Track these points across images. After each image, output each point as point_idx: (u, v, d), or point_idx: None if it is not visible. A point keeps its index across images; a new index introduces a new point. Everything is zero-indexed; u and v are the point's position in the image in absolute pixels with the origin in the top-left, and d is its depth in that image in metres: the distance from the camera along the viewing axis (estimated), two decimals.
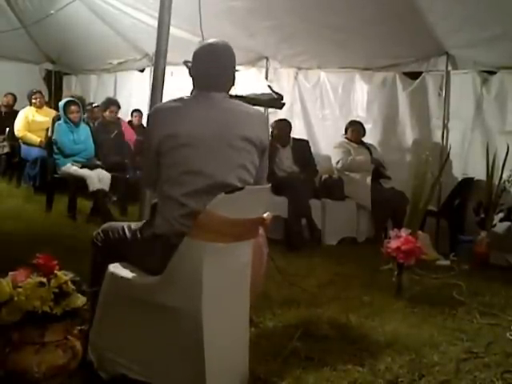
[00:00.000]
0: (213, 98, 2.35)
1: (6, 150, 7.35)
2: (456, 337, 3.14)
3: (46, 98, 8.75)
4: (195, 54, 2.40)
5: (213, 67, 2.35)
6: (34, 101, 7.43)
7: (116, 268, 2.38)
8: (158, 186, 2.37)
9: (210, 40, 2.42)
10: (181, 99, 2.38)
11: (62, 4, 6.83)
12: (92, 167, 5.65)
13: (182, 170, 2.26)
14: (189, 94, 2.42)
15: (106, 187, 5.52)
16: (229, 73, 2.41)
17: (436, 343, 3.00)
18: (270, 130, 6.07)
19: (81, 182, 5.47)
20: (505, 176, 5.07)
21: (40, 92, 7.75)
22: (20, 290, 2.08)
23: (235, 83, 2.47)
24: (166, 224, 2.29)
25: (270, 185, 2.53)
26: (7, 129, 7.39)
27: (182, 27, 5.56)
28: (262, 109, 6.50)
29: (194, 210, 2.21)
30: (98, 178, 5.51)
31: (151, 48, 7.40)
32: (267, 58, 6.74)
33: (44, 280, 2.11)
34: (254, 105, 4.35)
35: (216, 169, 2.28)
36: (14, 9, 7.86)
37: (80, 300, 2.15)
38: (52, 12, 6.87)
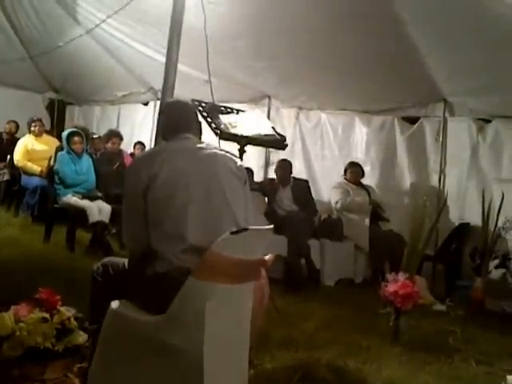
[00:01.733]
0: (186, 138, 2.53)
1: (6, 177, 7.33)
2: None
3: (48, 127, 8.81)
4: (166, 108, 2.76)
5: (181, 115, 2.63)
6: (33, 128, 7.40)
7: (118, 305, 2.37)
8: (151, 227, 2.38)
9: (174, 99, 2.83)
10: (158, 146, 2.55)
11: (69, 35, 6.94)
12: (93, 198, 5.65)
13: (177, 212, 2.33)
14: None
15: (106, 219, 5.51)
16: (194, 120, 2.68)
17: None
18: (273, 169, 6.16)
19: (81, 213, 5.44)
20: (500, 223, 5.11)
21: (40, 120, 7.72)
22: (22, 324, 2.08)
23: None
24: (166, 262, 2.31)
25: (272, 226, 2.57)
26: (8, 156, 7.39)
27: (187, 64, 5.65)
28: (263, 148, 6.70)
29: (194, 245, 2.26)
30: (99, 210, 5.49)
31: (156, 82, 7.59)
32: (269, 97, 6.88)
33: (47, 315, 2.11)
34: (259, 145, 4.45)
35: (206, 204, 2.37)
36: (20, 37, 7.96)
37: (82, 337, 2.15)
38: (61, 45, 6.96)
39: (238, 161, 2.63)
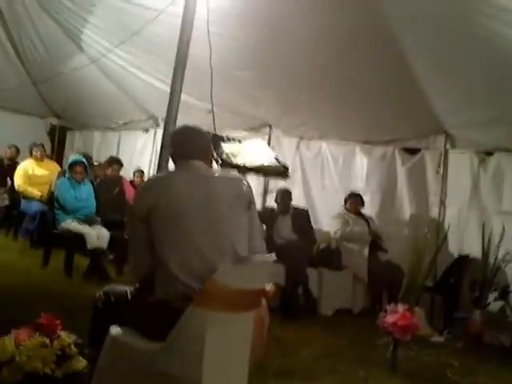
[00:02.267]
0: (193, 165, 2.53)
1: (6, 202, 7.33)
2: None
3: (49, 152, 8.86)
4: (175, 134, 2.76)
5: (191, 141, 2.61)
6: (34, 153, 7.46)
7: (117, 332, 2.38)
8: (154, 254, 2.40)
9: (184, 124, 2.74)
10: (166, 172, 2.60)
11: (72, 62, 7.02)
12: (92, 224, 5.66)
13: (178, 238, 2.34)
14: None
15: (105, 245, 5.51)
16: (205, 146, 2.66)
17: None
18: (274, 197, 6.18)
19: (79, 238, 5.45)
20: (500, 255, 5.12)
21: (42, 145, 7.80)
22: (22, 349, 2.06)
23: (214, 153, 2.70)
24: (166, 289, 2.32)
25: (274, 256, 2.58)
26: (8, 181, 7.42)
27: (190, 93, 5.72)
28: (263, 177, 6.73)
29: (195, 273, 2.26)
30: (97, 236, 5.50)
31: (157, 109, 7.66)
32: (270, 126, 6.92)
33: (47, 341, 2.11)
34: (262, 175, 4.48)
35: (210, 234, 2.37)
36: (23, 62, 8.05)
37: (81, 363, 2.14)
38: (64, 72, 7.04)
39: (245, 183, 2.63)
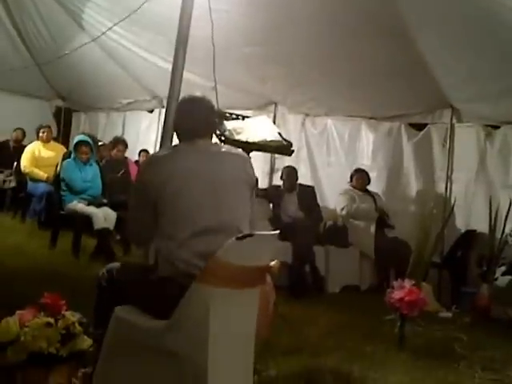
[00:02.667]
0: (198, 141, 2.47)
1: (13, 184, 7.38)
2: None
3: (55, 134, 8.86)
4: (177, 109, 2.64)
5: (196, 115, 2.52)
6: (41, 134, 7.49)
7: (122, 311, 2.37)
8: (158, 231, 2.39)
9: (190, 95, 2.61)
10: (171, 148, 2.56)
11: (76, 43, 6.98)
12: (98, 205, 5.68)
13: (182, 213, 2.32)
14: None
15: (112, 226, 5.53)
16: (207, 121, 2.56)
17: None
18: (279, 175, 6.17)
19: (86, 219, 5.47)
20: (507, 230, 5.09)
21: (48, 127, 7.82)
22: (27, 329, 2.07)
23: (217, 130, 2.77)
24: (170, 266, 2.30)
25: (277, 231, 2.56)
26: (15, 163, 7.44)
27: (193, 71, 5.67)
28: (268, 154, 6.71)
29: (199, 251, 2.25)
30: (104, 217, 5.51)
31: (161, 89, 7.61)
32: (276, 104, 6.87)
33: (51, 320, 2.11)
34: (264, 151, 4.45)
35: (214, 210, 2.35)
36: (27, 44, 8.02)
37: (86, 342, 2.15)
38: (67, 52, 7.00)
39: (249, 161, 2.61)
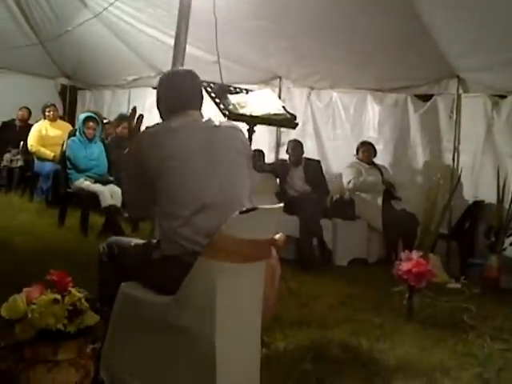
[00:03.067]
0: (192, 115, 2.44)
1: (20, 163, 7.40)
2: (467, 362, 3.12)
3: (61, 113, 8.85)
4: (164, 82, 2.53)
5: (185, 88, 2.47)
6: (47, 113, 7.50)
7: (128, 287, 2.38)
8: (158, 209, 2.35)
9: (175, 68, 2.63)
10: (165, 123, 2.46)
11: (78, 20, 6.93)
12: (104, 183, 5.69)
13: (183, 191, 2.28)
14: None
15: (119, 203, 5.52)
16: (198, 92, 2.53)
17: (447, 368, 2.98)
18: (285, 150, 6.15)
19: (93, 197, 5.49)
20: None
21: (54, 105, 7.82)
22: (34, 306, 2.08)
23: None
24: (173, 245, 2.28)
25: (282, 204, 2.55)
26: (21, 142, 7.45)
27: (196, 46, 5.62)
28: (274, 128, 6.67)
29: (202, 228, 2.23)
30: (111, 194, 5.52)
31: (165, 65, 7.52)
32: (280, 78, 6.81)
33: (58, 297, 2.12)
34: (268, 124, 4.42)
35: (215, 186, 2.32)
36: (31, 23, 7.97)
37: (93, 318, 2.15)
38: (69, 29, 6.96)
39: (242, 134, 2.59)
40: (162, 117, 2.53)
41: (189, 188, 2.29)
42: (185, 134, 2.36)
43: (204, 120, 2.46)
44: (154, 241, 2.48)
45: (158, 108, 2.53)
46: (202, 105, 2.54)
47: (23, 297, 2.13)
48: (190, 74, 2.52)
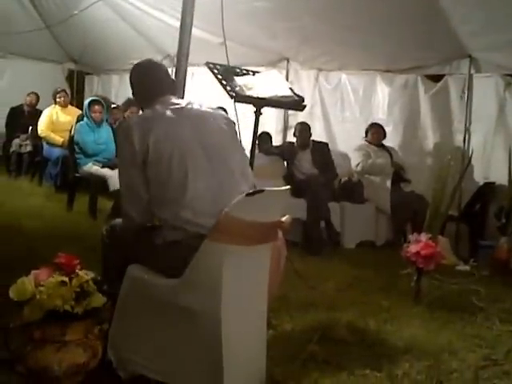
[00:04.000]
0: (172, 99, 2.47)
1: (29, 148, 7.42)
2: (475, 343, 3.11)
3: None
4: (136, 72, 2.58)
5: (157, 74, 2.55)
6: (58, 99, 7.52)
7: (135, 269, 2.39)
8: (154, 199, 2.33)
9: (138, 60, 2.64)
10: (151, 109, 2.43)
11: (85, 4, 6.90)
12: (113, 167, 5.69)
13: (177, 172, 2.28)
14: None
15: None
16: (169, 77, 2.61)
17: (455, 350, 2.97)
18: (292, 132, 6.12)
19: (101, 181, 5.51)
20: None
21: (65, 91, 7.84)
22: (42, 288, 2.09)
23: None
24: (176, 231, 2.28)
25: (288, 187, 2.55)
26: (30, 128, 7.47)
27: (203, 28, 5.58)
28: (282, 110, 6.63)
29: (203, 210, 2.24)
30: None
31: (172, 49, 7.46)
32: (288, 60, 6.77)
33: (66, 279, 2.13)
34: (276, 107, 4.39)
35: (210, 170, 2.33)
36: (37, 8, 7.95)
37: (101, 300, 2.16)
38: (76, 12, 6.94)
39: (225, 114, 2.62)
40: (142, 106, 2.56)
41: (183, 171, 2.28)
42: (170, 118, 2.37)
43: (186, 102, 2.48)
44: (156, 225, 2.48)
45: (136, 99, 2.59)
46: (175, 89, 2.63)
47: (31, 279, 2.14)
48: (154, 62, 2.65)
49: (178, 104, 2.45)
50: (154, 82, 2.52)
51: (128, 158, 2.34)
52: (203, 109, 2.51)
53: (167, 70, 2.62)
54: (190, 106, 2.47)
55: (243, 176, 2.45)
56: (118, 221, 2.57)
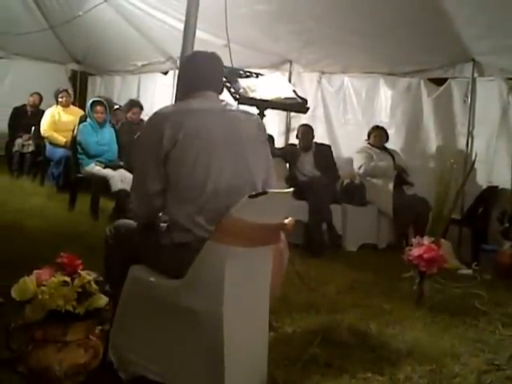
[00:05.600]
0: (211, 98, 2.42)
1: (32, 148, 7.44)
2: (477, 348, 3.10)
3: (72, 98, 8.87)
4: (185, 62, 2.55)
5: (206, 69, 2.45)
6: (60, 99, 7.52)
7: (137, 270, 2.39)
8: (170, 195, 2.31)
9: (200, 50, 2.55)
10: (184, 102, 2.42)
11: (89, 5, 6.92)
12: (115, 168, 5.71)
13: (201, 177, 2.25)
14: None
15: (129, 187, 5.50)
16: (218, 75, 2.52)
17: (457, 354, 2.96)
18: (295, 134, 6.11)
19: (103, 181, 5.52)
20: None
21: (67, 91, 7.86)
22: (44, 288, 2.09)
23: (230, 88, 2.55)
24: (186, 233, 2.27)
25: (292, 189, 2.54)
26: (33, 128, 7.47)
27: (206, 30, 5.59)
28: (285, 113, 6.63)
29: (215, 215, 2.20)
30: (121, 179, 5.55)
31: (175, 51, 7.51)
32: (291, 62, 6.79)
33: (68, 279, 2.13)
34: (279, 109, 4.40)
35: (234, 173, 2.30)
36: (41, 9, 7.97)
37: (102, 300, 2.15)
38: (80, 14, 6.95)
39: (259, 119, 2.57)
40: (178, 97, 2.52)
41: (205, 172, 2.25)
42: (204, 116, 2.33)
43: (223, 104, 2.44)
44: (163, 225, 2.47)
45: (177, 87, 2.51)
46: (222, 89, 2.53)
47: (33, 279, 2.14)
48: (212, 56, 2.49)
49: (214, 102, 2.41)
50: (197, 76, 2.44)
51: (151, 147, 2.30)
52: (238, 111, 2.48)
53: (220, 68, 2.53)
54: (225, 107, 2.44)
55: (265, 186, 2.42)
56: (122, 221, 2.57)
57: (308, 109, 3.96)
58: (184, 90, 2.48)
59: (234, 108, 2.49)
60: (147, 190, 2.34)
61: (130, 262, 2.39)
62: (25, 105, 8.06)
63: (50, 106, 7.60)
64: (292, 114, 6.64)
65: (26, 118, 7.85)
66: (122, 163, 5.89)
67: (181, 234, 2.28)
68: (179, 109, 2.39)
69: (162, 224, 2.46)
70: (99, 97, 6.66)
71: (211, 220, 2.22)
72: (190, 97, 2.41)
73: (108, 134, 6.04)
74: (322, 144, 6.09)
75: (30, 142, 7.48)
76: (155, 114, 2.38)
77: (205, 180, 2.25)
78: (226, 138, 2.32)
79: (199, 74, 2.44)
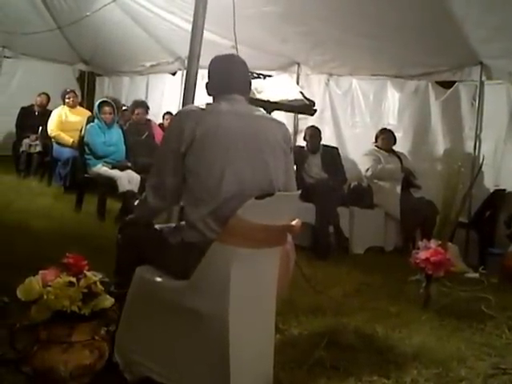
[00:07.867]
0: (239, 101, 2.41)
1: (39, 149, 7.45)
2: (484, 351, 3.08)
3: (79, 99, 8.89)
4: (218, 62, 2.50)
5: (234, 72, 2.47)
6: (67, 100, 7.54)
7: (144, 271, 2.39)
8: (186, 194, 2.33)
9: (227, 53, 2.58)
10: (213, 103, 2.43)
11: (97, 6, 6.93)
12: (122, 168, 5.71)
13: (217, 177, 2.25)
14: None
15: (136, 188, 5.55)
16: (247, 79, 2.54)
17: (463, 357, 2.94)
18: (302, 136, 6.11)
19: (111, 182, 5.52)
20: None
21: (74, 91, 7.87)
22: (49, 288, 2.09)
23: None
24: (197, 234, 2.27)
25: (299, 191, 2.53)
26: (40, 128, 7.49)
27: (214, 31, 5.59)
28: (292, 114, 6.62)
29: (226, 216, 2.20)
30: (128, 180, 5.56)
31: (184, 51, 7.50)
32: (299, 64, 6.77)
33: (73, 280, 2.12)
34: (286, 110, 4.39)
35: (248, 172, 2.30)
36: (49, 9, 7.99)
37: (108, 301, 2.15)
38: (88, 14, 6.97)
39: (284, 125, 2.55)
40: (209, 94, 2.50)
41: (219, 173, 2.25)
42: (226, 118, 2.33)
43: (250, 107, 2.47)
44: (173, 225, 2.47)
45: (207, 87, 2.51)
46: (248, 93, 2.55)
47: (39, 279, 2.14)
48: (242, 61, 2.53)
49: (240, 105, 2.42)
50: (225, 79, 2.46)
51: (172, 141, 2.33)
52: (264, 117, 2.49)
53: (246, 70, 2.54)
54: (251, 111, 2.45)
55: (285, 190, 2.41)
56: (131, 218, 2.57)
57: (315, 111, 3.96)
58: (213, 90, 2.48)
59: (261, 113, 2.49)
60: (163, 181, 2.36)
61: (139, 263, 2.40)
62: (32, 105, 8.09)
63: (58, 107, 7.61)
64: (299, 115, 6.62)
65: (33, 118, 7.86)
66: (129, 164, 5.89)
67: (191, 234, 2.29)
68: (207, 107, 2.41)
69: (156, 226, 2.53)
70: (107, 97, 6.67)
71: (222, 225, 2.21)
72: (219, 99, 2.43)
73: (116, 134, 6.04)
74: (329, 146, 6.07)
75: (38, 142, 7.48)
76: (180, 110, 2.44)
77: (219, 182, 2.25)
78: (246, 141, 2.32)
79: (230, 76, 2.46)
